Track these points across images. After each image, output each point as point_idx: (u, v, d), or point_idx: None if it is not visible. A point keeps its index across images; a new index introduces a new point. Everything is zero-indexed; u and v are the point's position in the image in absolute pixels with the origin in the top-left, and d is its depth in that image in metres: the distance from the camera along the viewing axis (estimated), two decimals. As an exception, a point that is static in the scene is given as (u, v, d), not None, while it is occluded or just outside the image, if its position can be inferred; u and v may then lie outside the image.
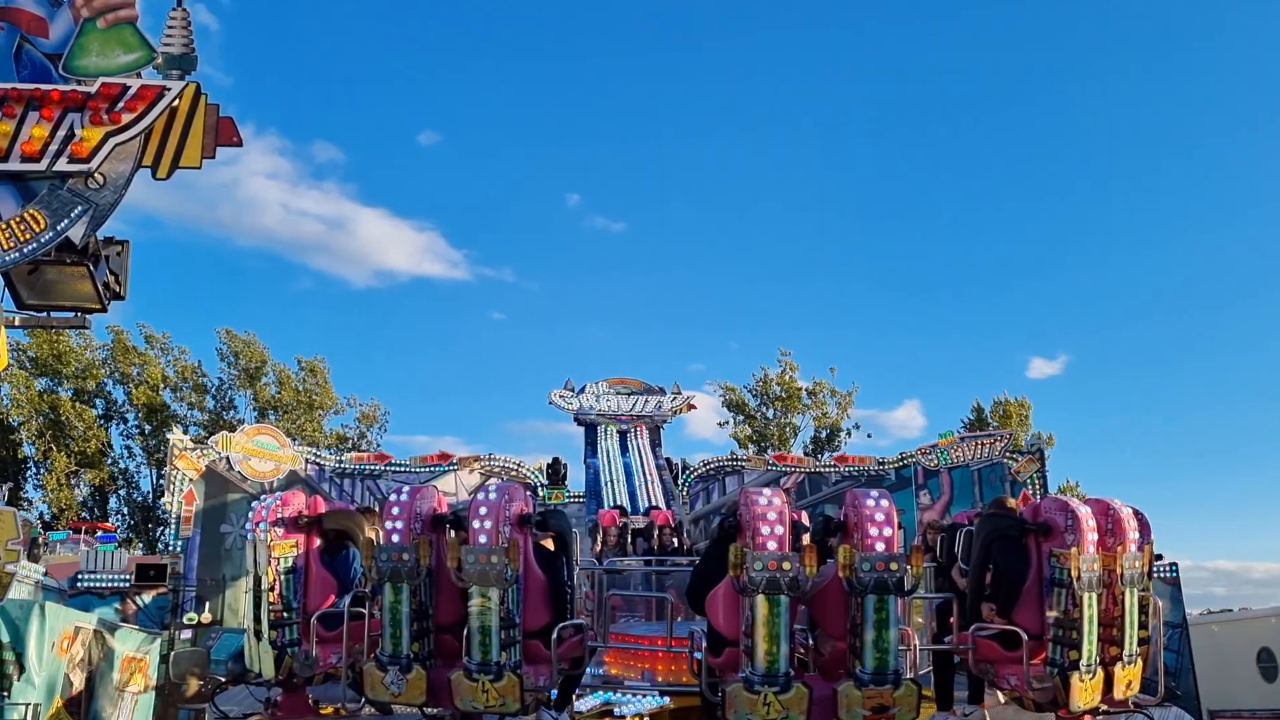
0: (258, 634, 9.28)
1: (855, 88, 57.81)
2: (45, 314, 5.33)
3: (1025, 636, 8.35)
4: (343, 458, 21.92)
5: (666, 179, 59.52)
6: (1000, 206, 56.69)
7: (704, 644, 8.02)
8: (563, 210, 57.59)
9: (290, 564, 9.07)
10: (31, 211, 4.85)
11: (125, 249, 5.39)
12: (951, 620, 9.28)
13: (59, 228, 4.81)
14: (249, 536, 9.72)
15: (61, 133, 4.94)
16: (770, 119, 58.35)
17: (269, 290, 56.94)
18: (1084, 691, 8.26)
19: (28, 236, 4.82)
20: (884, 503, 7.67)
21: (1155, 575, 9.45)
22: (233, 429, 21.21)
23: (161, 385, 38.04)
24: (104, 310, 5.37)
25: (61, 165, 4.89)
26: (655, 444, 21.72)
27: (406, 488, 8.37)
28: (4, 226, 4.85)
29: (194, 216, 52.81)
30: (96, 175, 4.93)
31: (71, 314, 5.39)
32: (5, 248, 4.84)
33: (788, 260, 58.54)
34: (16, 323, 5.29)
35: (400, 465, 21.06)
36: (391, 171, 60.11)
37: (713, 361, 73.92)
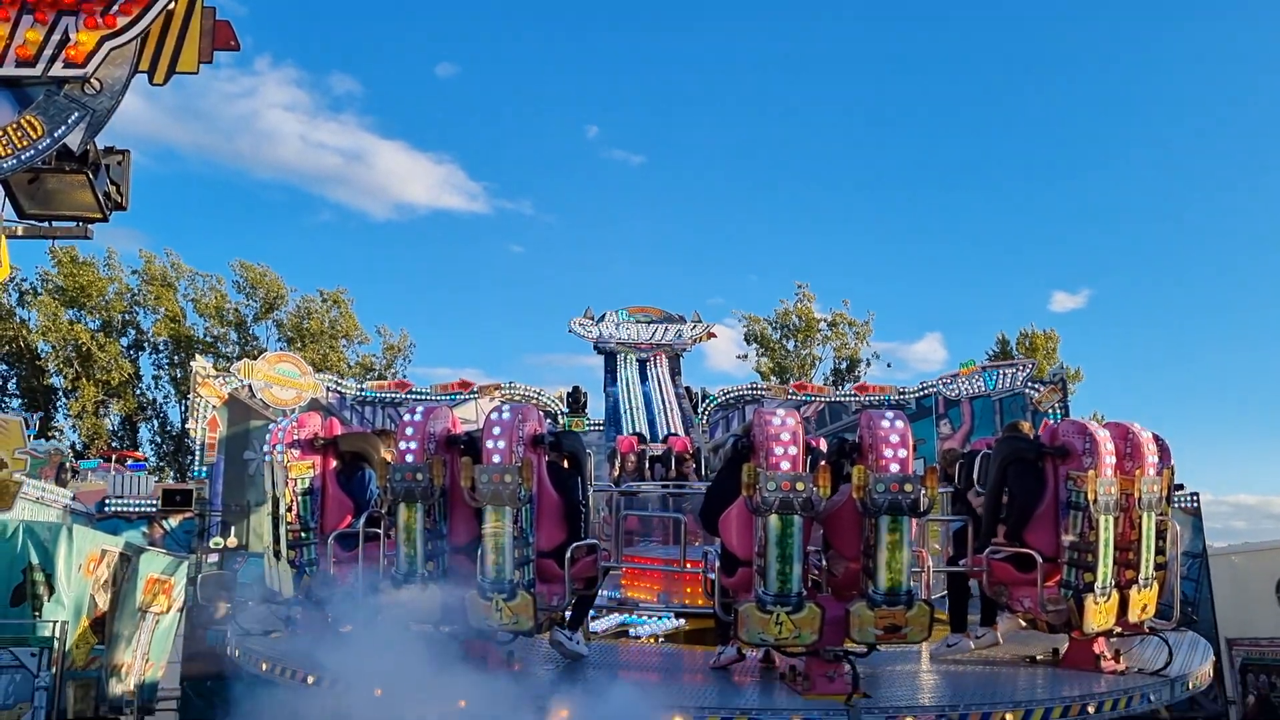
0: (276, 554, 9.41)
1: (879, 19, 56.53)
2: (47, 224, 5.30)
3: (1040, 559, 8.33)
4: (363, 385, 22.05)
5: (686, 111, 58.68)
6: (1023, 139, 55.63)
7: (717, 564, 8.04)
8: (582, 142, 56.99)
9: (307, 485, 9.14)
10: (28, 118, 4.79)
11: (126, 158, 5.33)
12: (968, 544, 9.28)
13: (56, 134, 4.75)
14: (266, 458, 9.81)
15: (56, 37, 4.86)
16: (791, 49, 57.23)
17: (289, 223, 56.94)
18: (1098, 614, 8.25)
19: (25, 144, 4.76)
20: (899, 424, 7.61)
21: (1176, 505, 9.39)
22: (255, 358, 21.30)
23: (183, 318, 38.29)
24: (105, 220, 5.33)
25: (57, 70, 4.82)
26: (675, 372, 21.68)
27: (420, 408, 8.37)
28: (1, 133, 4.80)
29: (212, 149, 52.69)
30: (93, 80, 4.85)
31: (73, 224, 5.35)
32: (2, 155, 4.79)
33: (810, 193, 57.83)
34: (19, 232, 5.26)
35: (421, 393, 21.14)
36: (409, 103, 59.55)
37: (732, 294, 73.60)
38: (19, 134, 4.73)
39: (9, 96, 4.80)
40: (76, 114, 4.80)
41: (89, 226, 5.38)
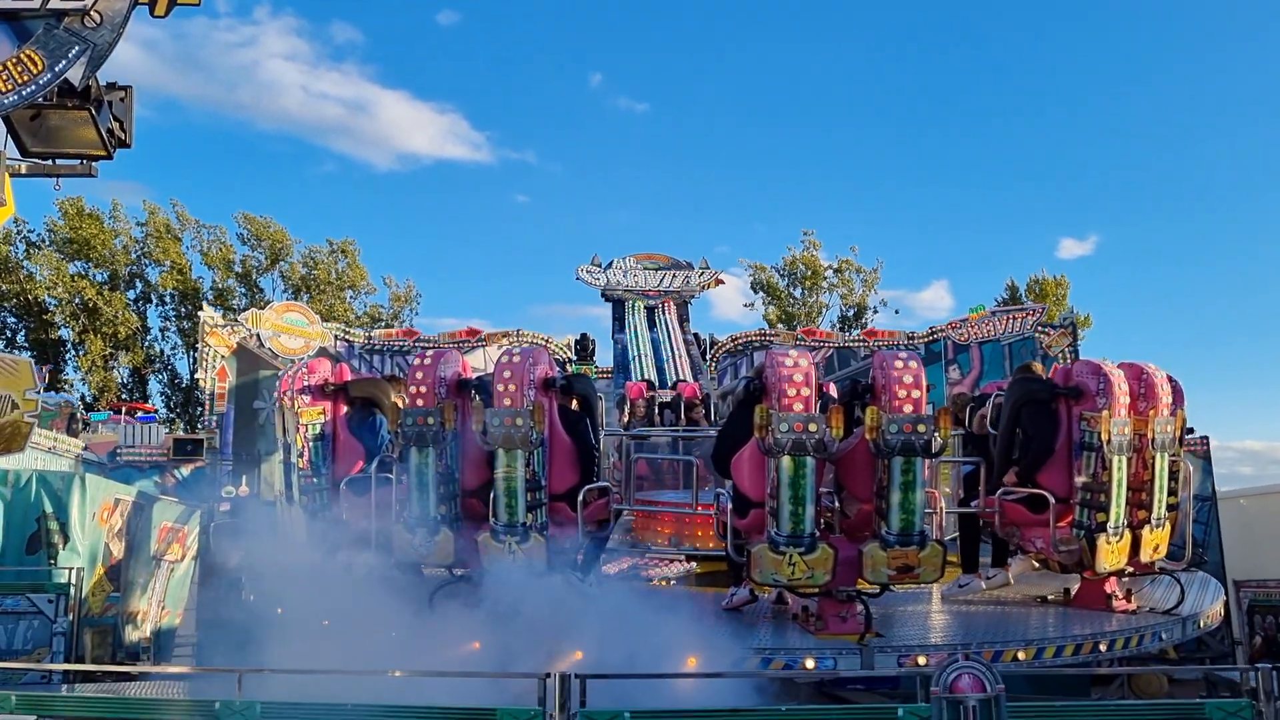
0: (289, 499, 9.42)
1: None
2: (50, 162, 5.23)
3: (1052, 500, 8.31)
4: (371, 334, 22.03)
5: (690, 58, 57.86)
6: (1029, 84, 54.85)
7: (729, 507, 8.03)
8: (585, 91, 56.31)
9: (318, 431, 9.13)
10: (28, 52, 4.70)
11: (129, 95, 5.24)
12: (979, 487, 9.27)
13: (57, 69, 4.66)
14: (276, 406, 9.79)
15: (54, -32, 4.78)
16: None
17: (292, 174, 56.53)
18: (1110, 554, 8.26)
19: (25, 78, 4.68)
20: (912, 364, 7.56)
21: (1186, 447, 9.34)
22: (263, 308, 21.25)
23: (189, 270, 38.22)
24: (110, 157, 5.25)
25: (56, 3, 4.72)
26: (683, 319, 21.62)
27: (430, 352, 8.33)
28: (0, 68, 4.71)
29: (215, 100, 52.22)
30: (92, 13, 4.75)
31: (77, 161, 5.28)
32: (3, 90, 4.70)
33: (815, 141, 57.16)
34: (23, 170, 5.19)
35: (428, 341, 21.12)
36: (411, 52, 58.76)
37: (738, 243, 73.25)
38: (19, 69, 4.64)
39: (8, 30, 4.70)
40: (77, 48, 4.71)
41: (93, 164, 5.30)
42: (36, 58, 4.66)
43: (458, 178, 57.15)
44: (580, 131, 58.38)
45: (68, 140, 5.06)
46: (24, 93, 4.65)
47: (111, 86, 5.07)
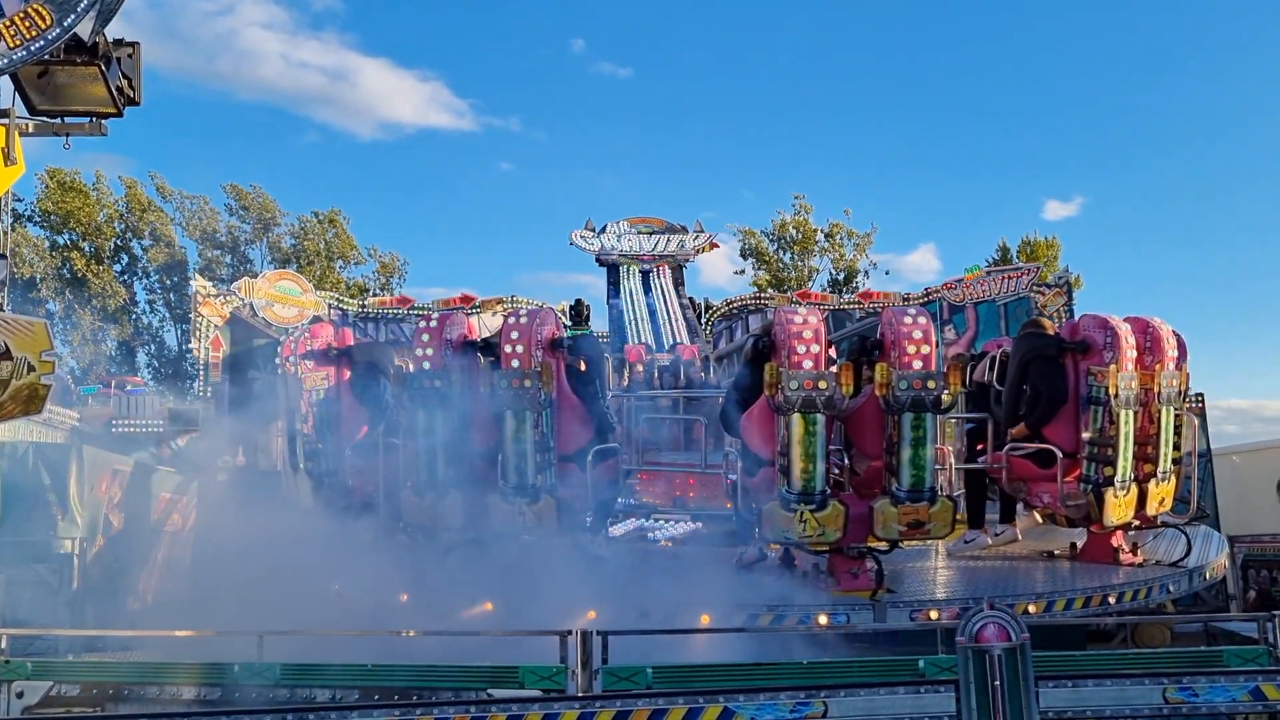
0: (294, 465, 9.39)
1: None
2: (59, 120, 5.13)
3: (1059, 454, 8.34)
4: (366, 302, 21.91)
5: (673, 22, 57.37)
6: (1008, 43, 54.55)
7: (739, 465, 8.02)
8: (568, 57, 55.83)
9: (322, 396, 9.09)
10: (36, 7, 4.58)
11: (136, 51, 5.13)
12: (980, 446, 9.28)
13: (66, 24, 4.54)
14: (280, 371, 9.74)
15: (61, -81, 4.67)
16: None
17: (274, 144, 55.93)
18: (1117, 507, 8.29)
19: (34, 34, 4.56)
20: (921, 320, 7.54)
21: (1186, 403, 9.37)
22: (254, 277, 21.11)
23: (174, 240, 37.88)
24: (120, 114, 5.16)
25: (64, -46, 4.64)
26: (678, 283, 21.56)
27: (435, 315, 8.28)
28: (8, 23, 4.58)
29: (194, 70, 51.53)
30: (102, -35, 4.67)
31: (86, 120, 5.18)
32: (11, 45, 4.59)
33: (798, 105, 56.80)
34: (30, 129, 5.09)
35: (423, 309, 21.04)
36: (391, 20, 58.13)
37: (726, 209, 73.02)
38: (27, 24, 4.52)
39: (14, -17, 4.62)
40: (86, 2, 4.62)
41: (103, 123, 5.21)
42: (44, 12, 4.55)
43: (442, 146, 56.70)
44: (564, 98, 58.02)
45: (76, 97, 4.96)
46: (32, 48, 4.53)
47: (120, 43, 4.97)
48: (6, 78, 4.78)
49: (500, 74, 58.16)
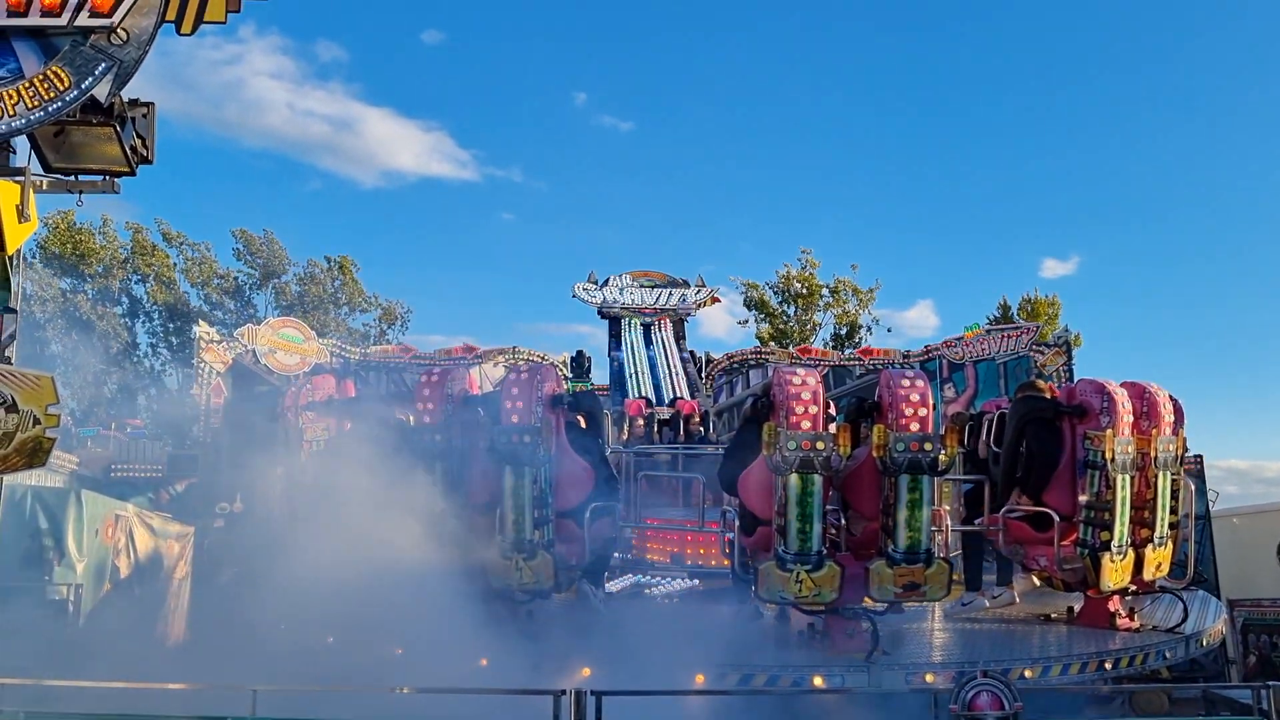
0: (291, 514, 9.41)
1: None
2: (73, 178, 5.25)
3: (1056, 518, 8.35)
4: (367, 350, 21.98)
5: (675, 76, 58.09)
6: (1007, 102, 55.15)
7: (736, 524, 8.05)
8: (570, 109, 56.45)
9: (323, 446, 9.13)
10: (54, 69, 4.73)
11: (151, 111, 5.26)
12: (980, 505, 9.29)
13: (83, 86, 4.69)
14: (281, 420, 9.79)
15: (81, -15, 4.82)
16: (778, 13, 56.57)
17: (278, 191, 56.51)
18: (1114, 572, 8.29)
19: (52, 95, 4.70)
20: (919, 383, 7.61)
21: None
22: (258, 324, 21.19)
23: (177, 284, 38.11)
24: (132, 173, 5.28)
25: (83, 20, 4.75)
26: (679, 336, 21.61)
27: (437, 369, 8.35)
28: (27, 85, 4.73)
29: (201, 117, 52.15)
30: (119, 30, 4.78)
31: (99, 178, 5.30)
32: (29, 106, 4.73)
33: (797, 160, 57.38)
34: (45, 186, 5.21)
35: (424, 358, 21.10)
36: (396, 71, 58.92)
37: (725, 262, 73.14)
38: (45, 86, 4.66)
39: (34, 47, 4.72)
40: (103, 65, 4.74)
41: (116, 180, 5.33)
42: (63, 74, 4.69)
43: (444, 195, 57.20)
44: (565, 150, 58.57)
45: (91, 156, 5.08)
46: (50, 109, 4.67)
47: (134, 103, 5.09)
48: (23, 136, 4.91)
49: (502, 125, 58.81)
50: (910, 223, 54.97)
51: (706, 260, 64.77)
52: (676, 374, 20.18)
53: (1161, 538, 8.60)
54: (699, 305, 22.79)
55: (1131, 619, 8.68)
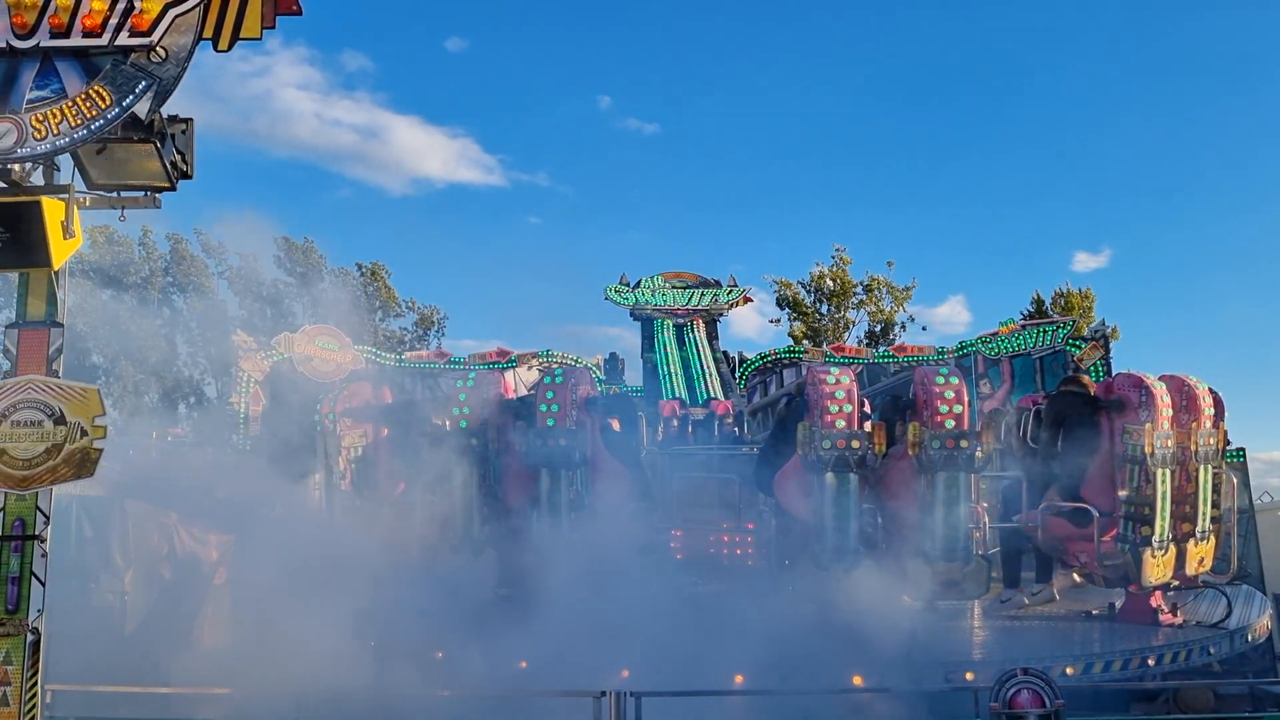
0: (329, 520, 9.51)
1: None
2: (115, 194, 5.35)
3: (1096, 514, 8.28)
4: (402, 356, 22.10)
5: (698, 79, 58.14)
6: (1034, 96, 54.63)
7: (773, 523, 8.05)
8: (595, 113, 56.65)
9: (360, 453, 9.22)
10: (96, 88, 4.83)
11: (190, 127, 5.36)
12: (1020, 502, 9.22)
13: (124, 104, 4.79)
14: (318, 428, 9.88)
15: (121, 5, 4.90)
16: (802, 10, 56.44)
17: (308, 200, 57.25)
18: (1155, 567, 8.22)
19: (94, 113, 4.80)
20: (954, 380, 7.59)
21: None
22: (294, 332, 21.33)
23: (215, 294, 38.54)
24: (173, 188, 5.37)
25: (123, 39, 4.86)
26: (712, 336, 21.56)
27: (473, 373, 8.41)
28: (70, 104, 4.83)
29: (230, 129, 52.84)
30: (158, 49, 4.88)
31: (141, 193, 5.40)
32: (73, 125, 4.82)
33: (826, 158, 57.15)
34: (87, 203, 5.31)
35: (459, 364, 21.17)
36: (421, 79, 59.50)
37: (756, 261, 72.93)
38: (88, 104, 4.77)
39: (77, 67, 4.84)
40: (144, 83, 4.84)
41: (157, 196, 5.44)
42: (105, 93, 4.79)
43: (471, 201, 57.67)
44: (591, 153, 58.72)
45: (132, 173, 5.18)
46: (92, 127, 4.78)
47: (174, 119, 5.19)
48: (67, 155, 5.01)
49: (529, 130, 59.10)
50: (939, 218, 54.55)
51: (737, 260, 64.62)
52: (710, 374, 20.15)
53: (1204, 532, 8.51)
54: (731, 305, 22.70)
55: (1174, 614, 8.60)
